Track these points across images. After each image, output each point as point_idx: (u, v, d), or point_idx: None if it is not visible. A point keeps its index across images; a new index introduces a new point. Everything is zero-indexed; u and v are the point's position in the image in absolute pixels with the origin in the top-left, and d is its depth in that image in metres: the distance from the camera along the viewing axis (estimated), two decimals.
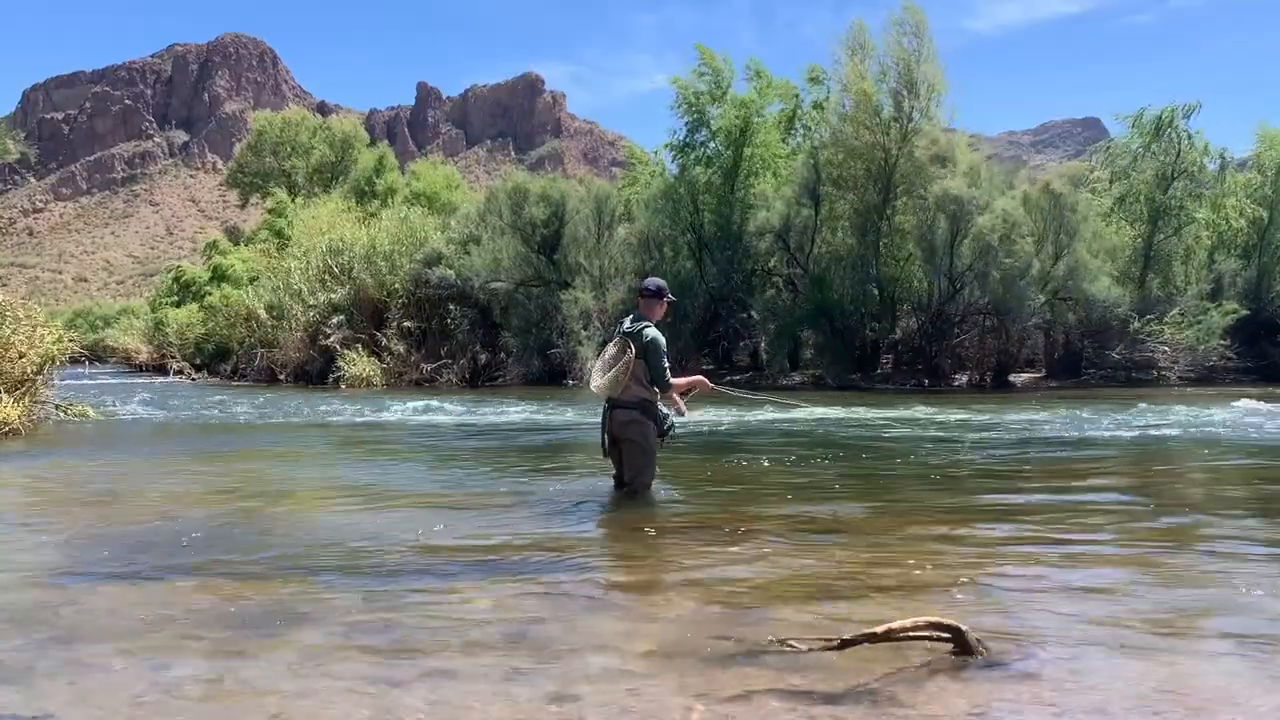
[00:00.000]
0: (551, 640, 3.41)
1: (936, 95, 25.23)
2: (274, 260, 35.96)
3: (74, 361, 17.05)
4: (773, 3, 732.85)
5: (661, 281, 6.48)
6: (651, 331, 6.16)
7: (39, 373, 12.79)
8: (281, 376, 29.49)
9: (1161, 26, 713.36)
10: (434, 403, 17.90)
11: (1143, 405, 15.68)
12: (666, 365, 6.18)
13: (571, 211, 28.83)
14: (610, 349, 6.26)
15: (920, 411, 14.90)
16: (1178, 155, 27.03)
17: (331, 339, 28.37)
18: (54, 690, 2.96)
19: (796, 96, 30.12)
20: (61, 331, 13.63)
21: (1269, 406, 14.89)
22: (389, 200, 37.04)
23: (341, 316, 28.96)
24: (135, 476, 8.52)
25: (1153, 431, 11.65)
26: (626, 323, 6.32)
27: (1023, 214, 23.90)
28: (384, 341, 27.74)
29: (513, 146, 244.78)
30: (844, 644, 3.16)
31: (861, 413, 14.89)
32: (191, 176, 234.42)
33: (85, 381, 30.73)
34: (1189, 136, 26.99)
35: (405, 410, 16.37)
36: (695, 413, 14.26)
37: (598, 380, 6.20)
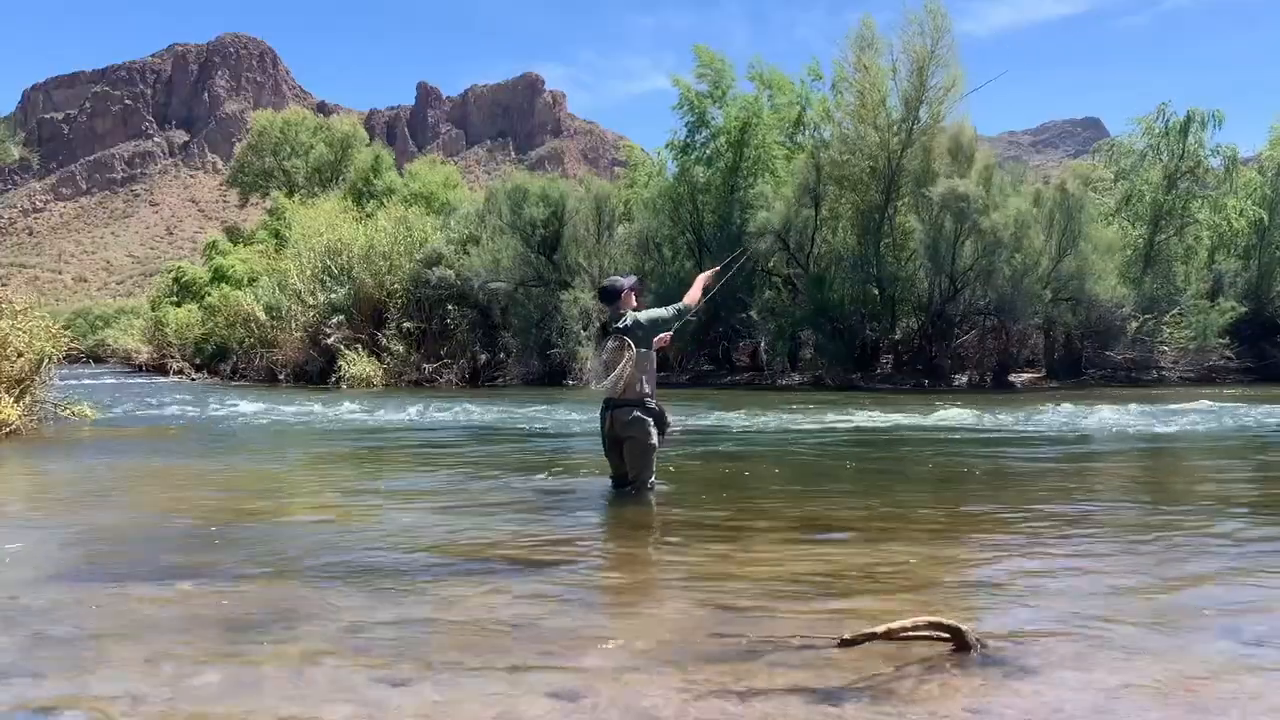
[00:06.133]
0: (551, 639, 3.40)
1: (953, 95, 25.07)
2: (272, 261, 35.94)
3: (73, 361, 16.99)
4: (768, 5, 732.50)
5: (613, 280, 6.54)
6: (640, 316, 6.32)
7: (36, 371, 12.75)
8: (281, 377, 29.48)
9: (1157, 28, 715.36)
10: (433, 403, 17.90)
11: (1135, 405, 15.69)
12: (673, 309, 6.48)
13: (571, 211, 28.83)
14: (609, 348, 6.25)
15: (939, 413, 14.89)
16: (1182, 155, 27.05)
17: (331, 339, 28.37)
18: (54, 690, 2.95)
19: (805, 97, 30.03)
20: (55, 327, 13.49)
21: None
22: (384, 201, 36.98)
23: (341, 316, 28.95)
24: (134, 477, 8.52)
25: (1153, 430, 11.65)
26: (620, 323, 6.32)
27: (1034, 214, 23.90)
28: (384, 341, 27.73)
29: (513, 146, 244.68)
30: (844, 643, 3.16)
31: (895, 415, 14.87)
32: (191, 176, 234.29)
33: (86, 382, 30.73)
34: (1200, 140, 27.03)
35: (404, 412, 16.37)
36: (704, 413, 14.27)
37: (602, 380, 6.21)
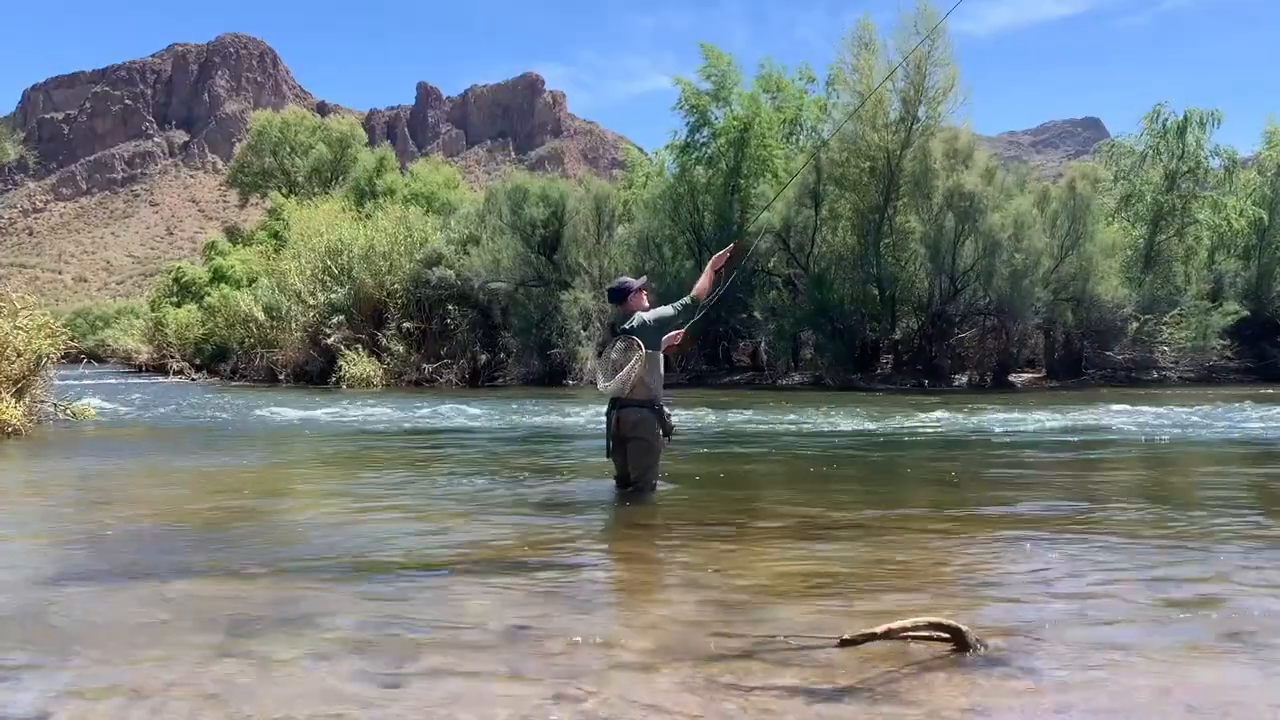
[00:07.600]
0: (552, 639, 3.40)
1: (950, 96, 25.12)
2: (272, 261, 35.96)
3: (72, 361, 16.94)
4: (767, 5, 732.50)
5: (623, 280, 6.50)
6: (647, 316, 6.24)
7: (35, 371, 12.73)
8: (281, 377, 29.47)
9: (1157, 28, 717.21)
10: (433, 404, 17.90)
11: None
12: (679, 305, 6.27)
13: (571, 211, 28.84)
14: (617, 348, 6.23)
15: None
16: (1181, 155, 27.06)
17: (331, 339, 28.37)
18: (53, 691, 2.95)
19: (802, 96, 30.09)
20: (54, 325, 13.44)
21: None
22: (382, 201, 36.97)
23: (341, 317, 28.94)
24: (134, 477, 8.52)
25: (1153, 432, 11.65)
26: (628, 324, 6.30)
27: (1035, 214, 23.90)
28: (384, 341, 27.73)
29: (513, 146, 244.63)
30: (845, 643, 3.15)
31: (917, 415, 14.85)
32: (191, 176, 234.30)
33: (86, 382, 30.73)
34: (1199, 140, 27.05)
35: (405, 412, 16.37)
36: (704, 413, 14.27)
37: (608, 381, 6.18)
